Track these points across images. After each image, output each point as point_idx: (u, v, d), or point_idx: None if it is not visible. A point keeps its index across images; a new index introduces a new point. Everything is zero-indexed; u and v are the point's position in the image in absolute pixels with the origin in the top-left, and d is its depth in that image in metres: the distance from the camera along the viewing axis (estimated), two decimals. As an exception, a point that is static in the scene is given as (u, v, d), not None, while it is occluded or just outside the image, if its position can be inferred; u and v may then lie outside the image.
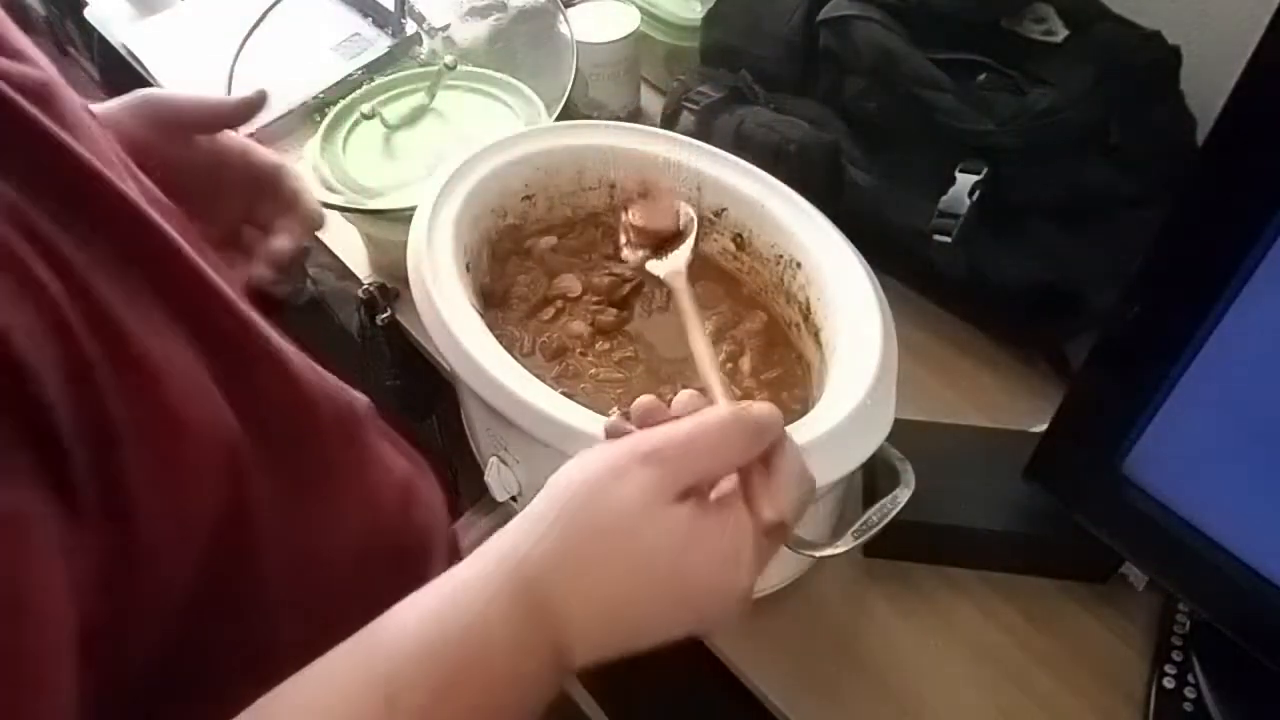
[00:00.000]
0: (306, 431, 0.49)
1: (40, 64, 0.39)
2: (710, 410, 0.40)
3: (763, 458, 0.40)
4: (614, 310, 0.70)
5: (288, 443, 0.46)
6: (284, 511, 0.45)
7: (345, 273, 0.90)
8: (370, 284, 0.86)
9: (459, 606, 0.36)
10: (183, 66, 1.04)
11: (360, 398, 0.57)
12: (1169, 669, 0.62)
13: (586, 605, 0.37)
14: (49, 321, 0.31)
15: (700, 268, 0.74)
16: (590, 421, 0.54)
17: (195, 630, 0.40)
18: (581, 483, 0.39)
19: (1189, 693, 0.61)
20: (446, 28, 0.99)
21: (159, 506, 0.36)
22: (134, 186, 0.40)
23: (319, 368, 0.52)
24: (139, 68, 1.05)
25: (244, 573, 0.44)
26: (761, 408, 0.41)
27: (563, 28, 0.92)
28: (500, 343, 0.58)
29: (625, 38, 0.92)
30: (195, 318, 0.40)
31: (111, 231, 0.36)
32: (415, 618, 0.36)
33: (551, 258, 0.73)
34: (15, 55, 0.38)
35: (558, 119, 0.84)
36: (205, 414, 0.39)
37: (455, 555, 0.63)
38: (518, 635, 0.36)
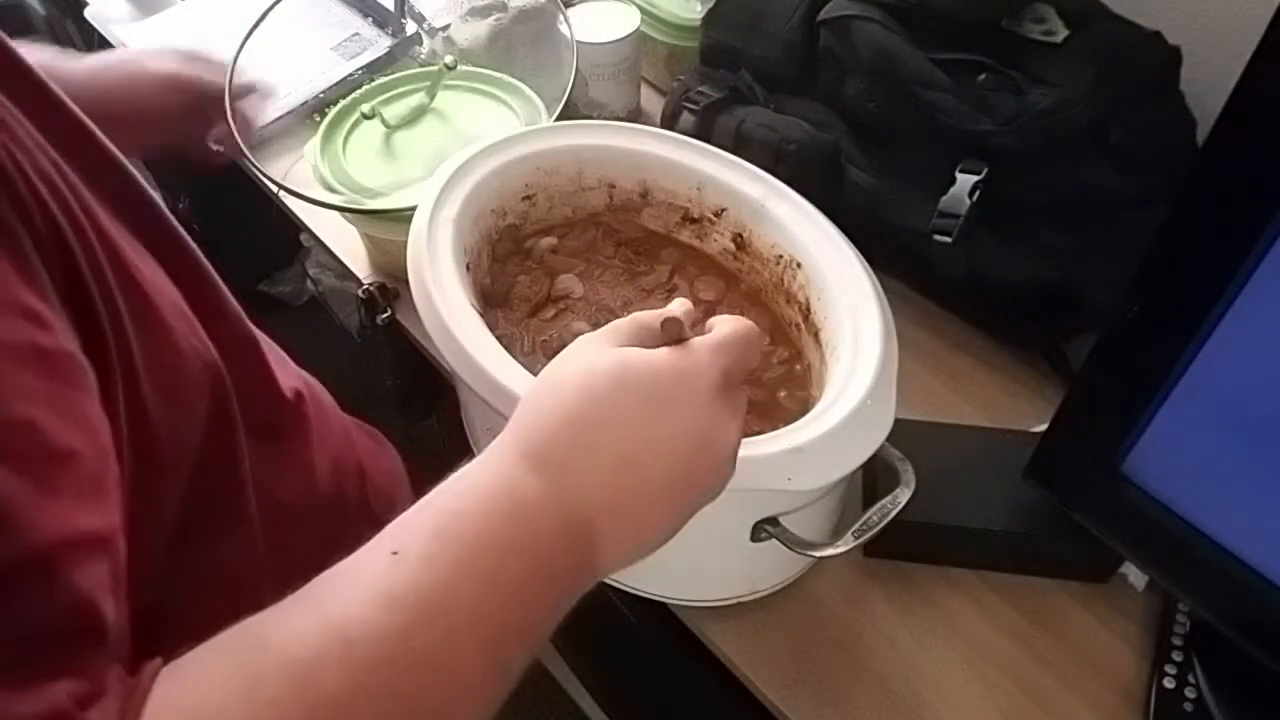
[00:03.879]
0: (270, 382, 0.53)
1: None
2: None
3: None
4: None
5: (257, 388, 0.50)
6: (260, 456, 0.48)
7: (345, 273, 0.90)
8: (370, 284, 0.86)
9: (457, 479, 0.38)
10: (183, 66, 1.04)
11: (302, 374, 0.61)
12: (1169, 669, 0.62)
13: (576, 452, 0.38)
14: (67, 214, 0.35)
15: (700, 267, 0.74)
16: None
17: (182, 564, 0.43)
18: (544, 371, 0.42)
19: (1189, 693, 0.61)
20: (446, 28, 0.99)
21: (162, 411, 0.39)
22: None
23: (273, 343, 0.58)
24: (139, 68, 1.04)
25: (229, 506, 0.47)
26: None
27: (563, 28, 0.92)
28: (500, 343, 0.58)
29: (625, 38, 0.92)
30: (172, 262, 0.44)
31: (102, 178, 0.41)
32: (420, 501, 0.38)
33: (552, 258, 0.73)
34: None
35: (558, 119, 0.84)
36: (191, 339, 0.43)
37: None
38: (513, 479, 0.37)
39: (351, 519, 0.59)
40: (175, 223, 0.45)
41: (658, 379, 0.40)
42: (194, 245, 0.47)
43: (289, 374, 0.57)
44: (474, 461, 0.38)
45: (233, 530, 0.48)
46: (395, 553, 0.34)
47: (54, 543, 0.29)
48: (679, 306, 0.45)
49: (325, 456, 0.58)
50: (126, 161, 0.43)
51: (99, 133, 0.42)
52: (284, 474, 0.53)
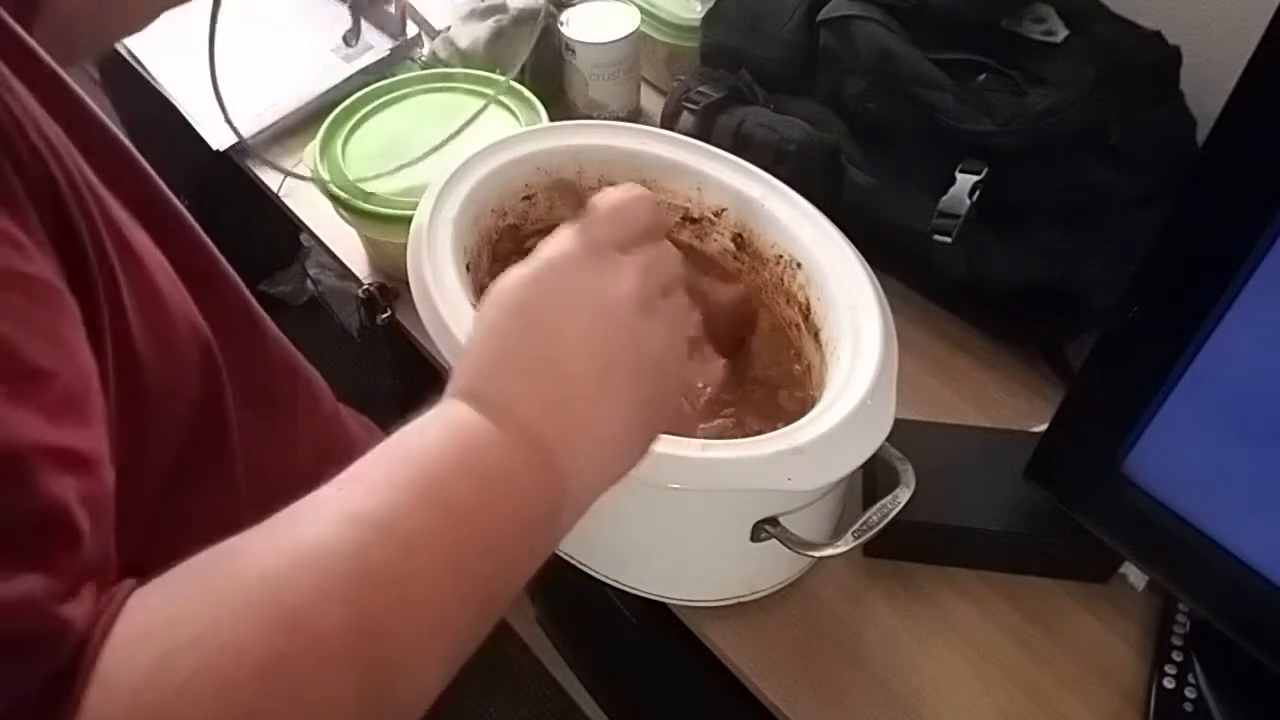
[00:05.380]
0: (265, 367, 0.53)
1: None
2: None
3: None
4: None
5: (251, 372, 0.50)
6: (249, 426, 0.49)
7: (345, 273, 0.90)
8: (370, 284, 0.86)
9: (401, 435, 0.38)
10: (183, 66, 1.04)
11: (309, 365, 0.62)
12: (1169, 669, 0.62)
13: (498, 367, 0.39)
14: (63, 170, 0.36)
15: (700, 267, 0.74)
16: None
17: (170, 522, 0.43)
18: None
19: (1189, 693, 0.61)
20: (447, 29, 0.99)
21: (152, 355, 0.40)
22: None
23: (274, 327, 0.58)
24: (139, 68, 1.05)
25: (217, 467, 0.47)
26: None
27: (563, 28, 0.93)
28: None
29: (625, 38, 0.92)
30: (165, 234, 0.45)
31: (99, 152, 0.42)
32: None
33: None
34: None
35: (558, 119, 0.84)
36: (180, 304, 0.44)
37: None
38: (449, 409, 0.37)
39: None
40: (170, 196, 0.46)
41: (540, 285, 0.40)
42: (189, 218, 0.48)
43: (285, 352, 0.58)
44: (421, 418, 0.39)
45: (220, 492, 0.48)
46: (348, 486, 0.34)
47: (25, 445, 0.29)
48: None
49: (313, 437, 0.59)
50: (123, 137, 0.44)
51: (95, 109, 0.43)
52: (271, 447, 0.53)
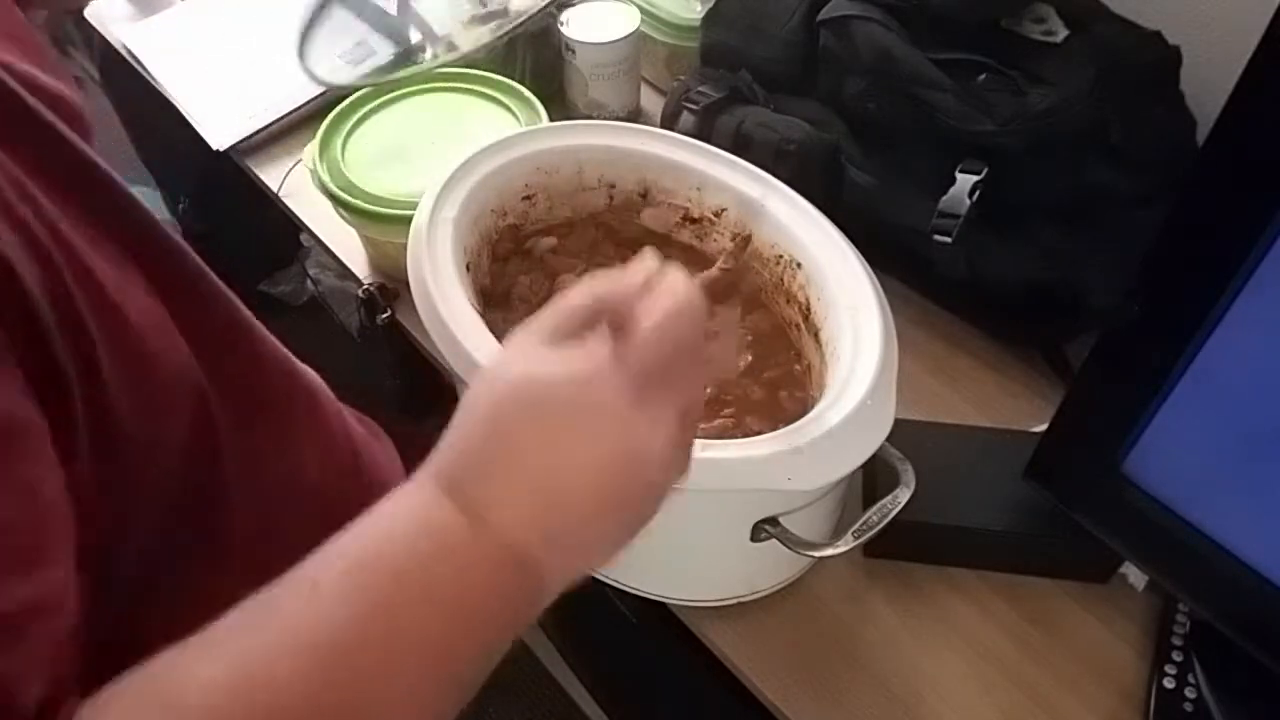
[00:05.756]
0: (260, 377, 0.53)
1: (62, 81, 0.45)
2: None
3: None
4: None
5: (244, 389, 0.50)
6: (246, 455, 0.48)
7: (345, 273, 0.90)
8: (370, 284, 0.86)
9: (387, 504, 0.37)
10: (183, 66, 1.04)
11: (309, 370, 0.61)
12: (1169, 669, 0.62)
13: (484, 477, 0.36)
14: (38, 256, 0.35)
15: (700, 267, 0.74)
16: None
17: (164, 564, 0.43)
18: (476, 378, 0.40)
19: (1189, 693, 0.61)
20: (449, 35, 0.99)
21: (136, 433, 0.39)
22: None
23: (269, 335, 0.57)
24: (139, 68, 1.05)
25: (213, 506, 0.46)
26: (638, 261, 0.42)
27: (563, 28, 0.92)
28: (500, 343, 0.58)
29: (625, 38, 0.92)
30: (157, 270, 0.44)
31: (91, 199, 0.41)
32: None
33: (552, 258, 0.73)
34: (48, 69, 0.43)
35: (558, 119, 0.84)
36: (171, 354, 0.43)
37: None
38: (433, 516, 0.36)
39: (341, 504, 0.59)
40: (153, 217, 0.45)
41: (565, 398, 0.37)
42: (173, 236, 0.46)
43: (283, 362, 0.57)
44: (404, 486, 0.37)
45: (213, 538, 0.48)
46: (313, 588, 0.33)
47: None
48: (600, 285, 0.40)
49: (316, 447, 0.58)
50: (102, 163, 0.42)
51: (71, 135, 0.40)
52: (270, 468, 0.52)
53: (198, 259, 0.48)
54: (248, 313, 0.53)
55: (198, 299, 0.47)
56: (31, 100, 0.39)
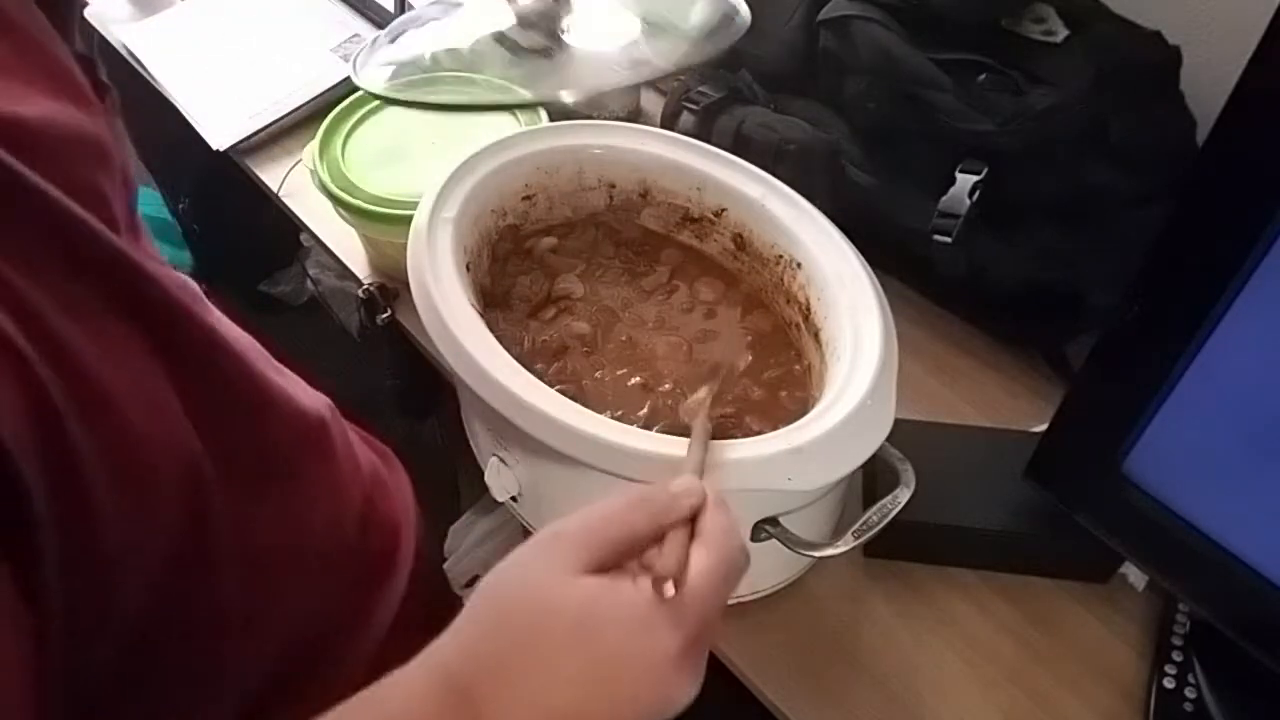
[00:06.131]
0: (268, 436, 0.49)
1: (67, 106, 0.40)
2: (629, 492, 0.40)
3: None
4: None
5: (249, 449, 0.47)
6: (243, 519, 0.45)
7: (345, 273, 0.90)
8: (370, 284, 0.86)
9: (376, 692, 0.36)
10: (183, 66, 1.04)
11: (322, 397, 0.58)
12: (1169, 669, 0.62)
13: (504, 690, 0.35)
14: (18, 378, 0.32)
15: (701, 267, 0.74)
16: (589, 422, 0.54)
17: (148, 640, 0.40)
18: (497, 570, 0.38)
19: (1189, 693, 0.61)
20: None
21: (117, 527, 0.36)
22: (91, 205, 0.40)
23: (283, 369, 0.53)
24: (139, 68, 1.05)
25: (200, 586, 0.44)
26: (680, 481, 0.41)
27: (564, 27, 0.92)
28: (500, 343, 0.58)
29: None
30: (157, 331, 0.40)
31: (69, 257, 0.36)
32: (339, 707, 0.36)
33: (552, 258, 0.73)
34: (80, 100, 0.40)
35: (558, 119, 0.84)
36: (164, 431, 0.40)
37: (422, 546, 0.64)
38: (430, 711, 0.35)
39: (347, 559, 0.56)
40: (151, 269, 0.41)
41: (617, 644, 0.36)
42: (182, 301, 0.42)
43: (297, 408, 0.52)
44: (408, 668, 0.36)
45: (203, 602, 0.45)
46: None
47: None
48: (677, 544, 0.39)
49: (323, 498, 0.55)
50: (88, 217, 0.38)
51: (55, 192, 0.36)
52: (272, 528, 0.49)
53: (203, 312, 0.44)
54: (257, 357, 0.49)
55: (203, 354, 0.44)
56: (8, 162, 0.35)
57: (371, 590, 0.58)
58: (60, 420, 0.33)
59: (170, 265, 0.49)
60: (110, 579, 0.37)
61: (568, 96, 0.49)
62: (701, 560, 0.38)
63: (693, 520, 0.40)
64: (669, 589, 0.37)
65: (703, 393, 0.60)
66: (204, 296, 0.48)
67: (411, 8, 1.03)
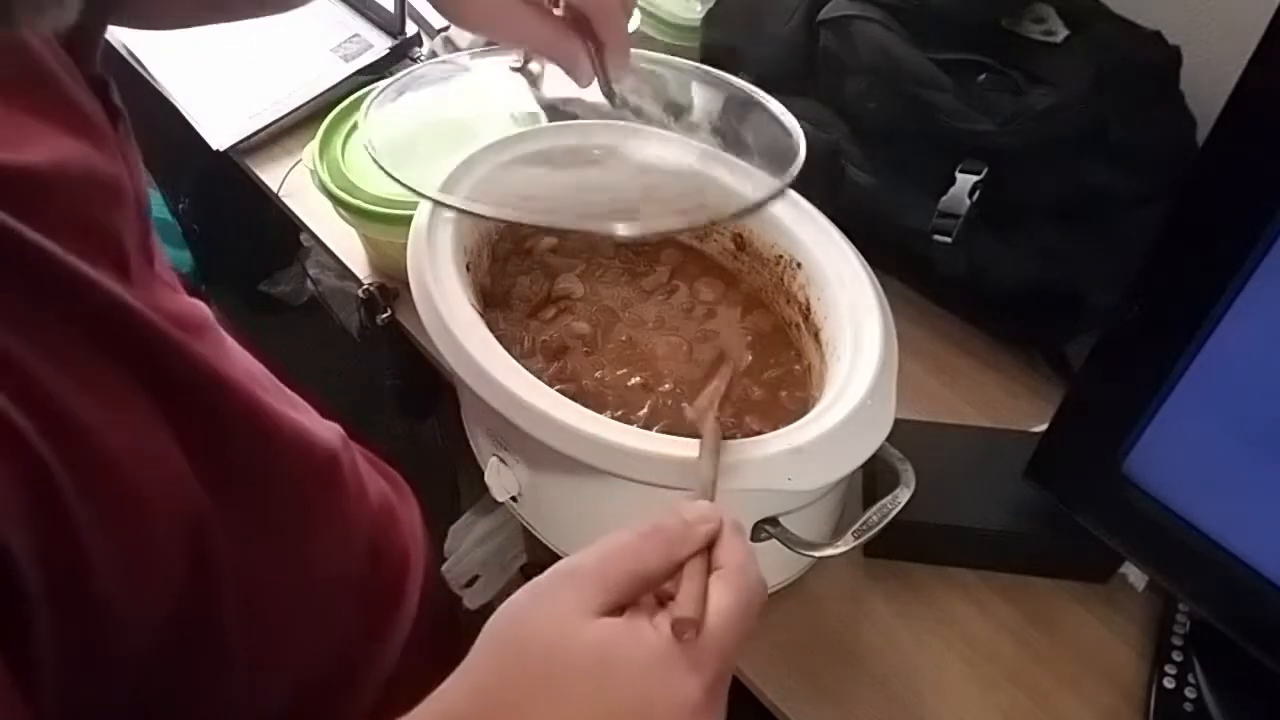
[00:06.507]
0: (276, 477, 0.48)
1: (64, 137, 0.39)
2: (643, 524, 0.39)
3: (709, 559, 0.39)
4: None
5: (255, 493, 0.46)
6: (251, 565, 0.44)
7: (345, 273, 0.90)
8: (370, 284, 0.86)
9: None
10: (183, 66, 1.04)
11: (334, 427, 0.57)
12: (1169, 669, 0.62)
13: None
14: (13, 456, 0.31)
15: (701, 267, 0.74)
16: (589, 422, 0.54)
17: (152, 687, 0.40)
18: (505, 609, 0.37)
19: (1189, 693, 0.61)
20: (446, 28, 0.99)
21: (116, 588, 0.35)
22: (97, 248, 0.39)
23: (295, 397, 0.52)
24: (139, 68, 1.05)
25: (204, 632, 0.43)
26: (695, 508, 0.40)
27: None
28: (500, 343, 0.58)
29: (625, 38, 0.92)
30: (159, 381, 0.39)
31: (67, 312, 0.35)
32: None
33: (552, 258, 0.73)
34: (97, 139, 0.39)
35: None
36: (165, 486, 0.39)
37: (431, 575, 0.63)
38: None
39: (354, 594, 0.55)
40: (161, 324, 0.40)
41: (636, 690, 0.34)
42: (191, 349, 0.41)
43: (307, 443, 0.51)
44: (416, 713, 0.35)
45: (209, 650, 0.44)
46: None
47: None
48: (695, 582, 0.37)
49: (331, 535, 0.54)
50: (88, 269, 0.36)
51: (52, 247, 0.35)
52: (278, 571, 0.48)
53: (212, 352, 0.43)
54: (267, 388, 0.48)
55: (208, 401, 0.43)
56: (3, 220, 0.34)
57: (382, 619, 0.58)
58: (57, 494, 0.32)
59: (181, 284, 0.48)
60: (110, 637, 0.36)
61: (624, 230, 0.46)
62: (721, 598, 0.37)
63: (709, 547, 0.39)
64: (689, 632, 0.36)
65: (710, 390, 0.59)
66: (215, 324, 0.47)
67: (412, 8, 1.04)
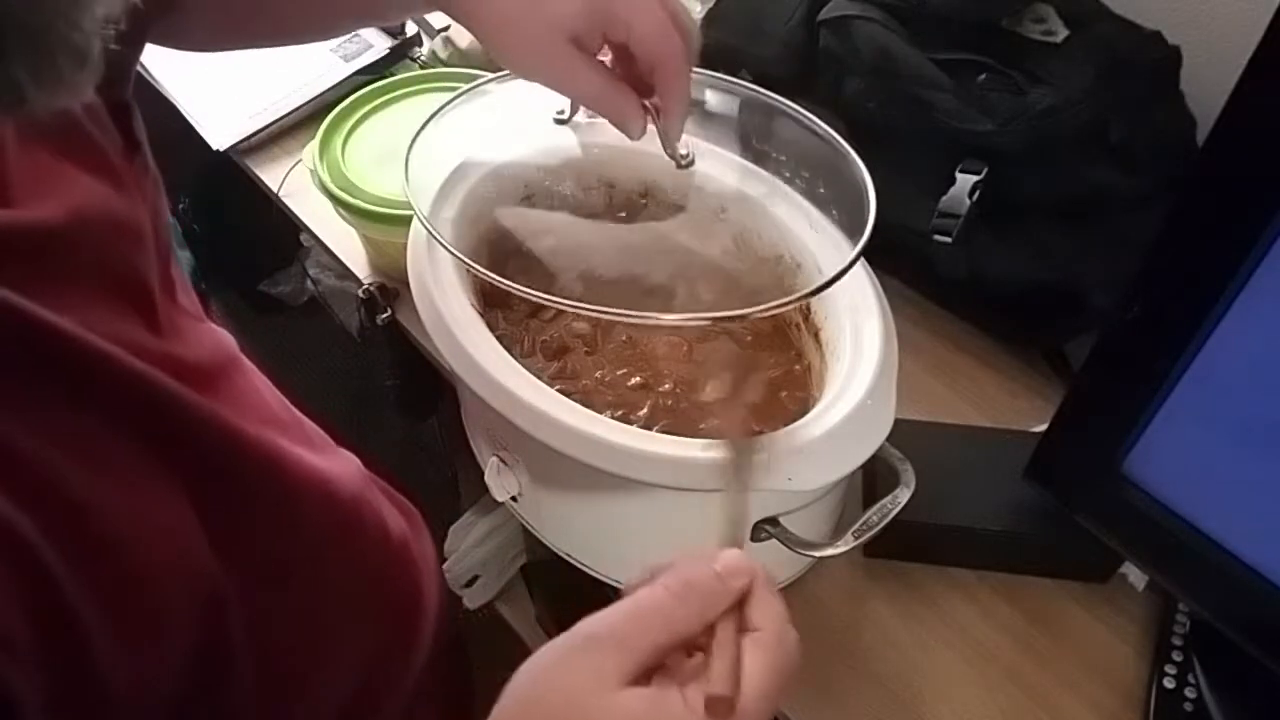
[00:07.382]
0: (295, 532, 0.47)
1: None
2: (666, 577, 0.37)
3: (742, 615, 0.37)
4: None
5: (273, 551, 0.45)
6: (264, 622, 0.44)
7: (345, 273, 0.90)
8: (370, 284, 0.86)
9: None
10: (183, 66, 1.04)
11: (352, 460, 0.56)
12: (1169, 669, 0.62)
13: None
14: (18, 568, 0.31)
15: (700, 268, 0.74)
16: (589, 422, 0.54)
17: None
18: (529, 669, 0.36)
19: (1189, 693, 0.61)
20: (447, 28, 0.99)
21: (122, 669, 0.35)
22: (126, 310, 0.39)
23: (315, 437, 0.51)
24: (139, 68, 1.05)
25: (215, 685, 0.42)
26: (728, 560, 0.38)
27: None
28: (500, 343, 0.58)
29: (625, 38, 0.92)
30: (174, 450, 0.38)
31: (77, 391, 0.35)
32: None
33: (552, 259, 0.73)
34: (118, 182, 0.39)
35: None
36: (178, 560, 0.38)
37: (443, 606, 0.63)
38: None
39: (368, 641, 0.55)
40: (180, 391, 0.39)
41: None
42: (209, 411, 0.40)
43: (327, 492, 0.50)
44: None
45: (220, 704, 0.43)
46: None
47: None
48: (726, 667, 0.35)
49: (347, 584, 0.53)
50: (101, 342, 0.36)
51: (65, 323, 0.34)
52: (292, 627, 0.47)
53: (231, 415, 0.42)
54: (287, 428, 0.48)
55: (226, 465, 0.42)
56: (13, 302, 0.33)
57: (396, 657, 0.57)
58: (59, 593, 0.32)
59: (202, 307, 0.47)
60: (114, 711, 0.35)
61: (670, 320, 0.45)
62: (757, 664, 0.35)
63: (740, 603, 0.38)
64: (722, 708, 0.34)
65: (742, 421, 0.55)
66: (237, 355, 0.46)
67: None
